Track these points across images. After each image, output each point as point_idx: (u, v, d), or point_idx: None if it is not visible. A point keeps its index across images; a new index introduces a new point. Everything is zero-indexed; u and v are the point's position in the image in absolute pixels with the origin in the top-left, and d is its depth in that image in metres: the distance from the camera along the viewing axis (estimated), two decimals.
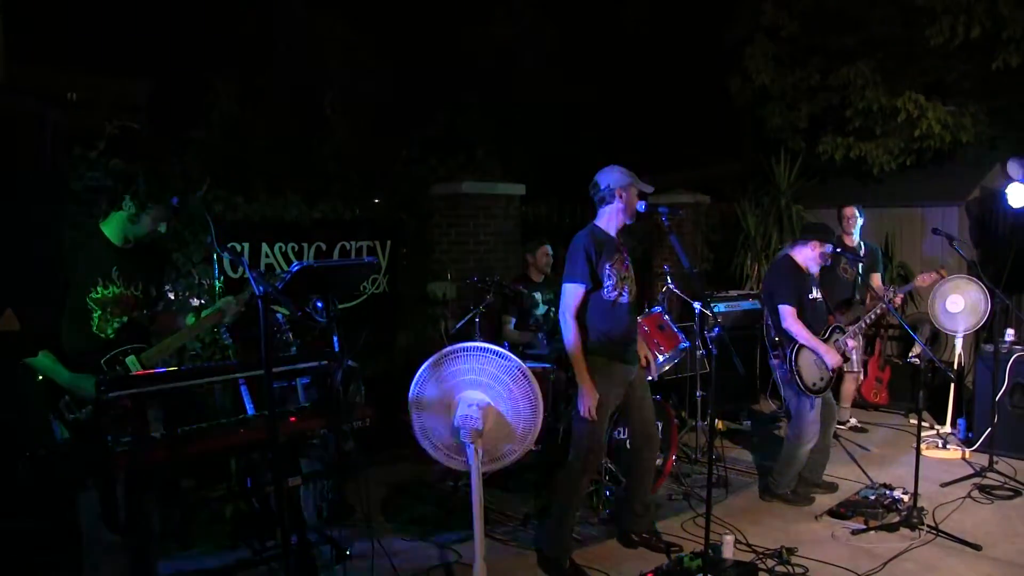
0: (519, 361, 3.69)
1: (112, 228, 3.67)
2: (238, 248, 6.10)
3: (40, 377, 3.43)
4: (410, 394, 3.75)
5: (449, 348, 3.71)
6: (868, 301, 6.59)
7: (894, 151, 9.00)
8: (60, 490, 3.44)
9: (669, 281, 6.38)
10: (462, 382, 3.71)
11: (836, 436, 6.51)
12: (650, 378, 5.00)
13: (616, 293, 4.39)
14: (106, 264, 3.63)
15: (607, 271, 4.35)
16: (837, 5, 9.63)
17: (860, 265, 6.58)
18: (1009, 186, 7.19)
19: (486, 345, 3.69)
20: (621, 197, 4.41)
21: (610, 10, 14.35)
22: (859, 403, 7.81)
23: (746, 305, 7.42)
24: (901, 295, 6.35)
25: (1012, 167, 7.18)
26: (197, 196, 4.60)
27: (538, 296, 6.23)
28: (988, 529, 5.03)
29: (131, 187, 3.58)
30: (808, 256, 5.45)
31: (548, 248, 6.37)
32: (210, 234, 3.29)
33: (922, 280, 6.41)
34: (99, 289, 3.60)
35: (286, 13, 12.19)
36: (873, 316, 5.86)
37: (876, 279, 6.86)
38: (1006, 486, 5.76)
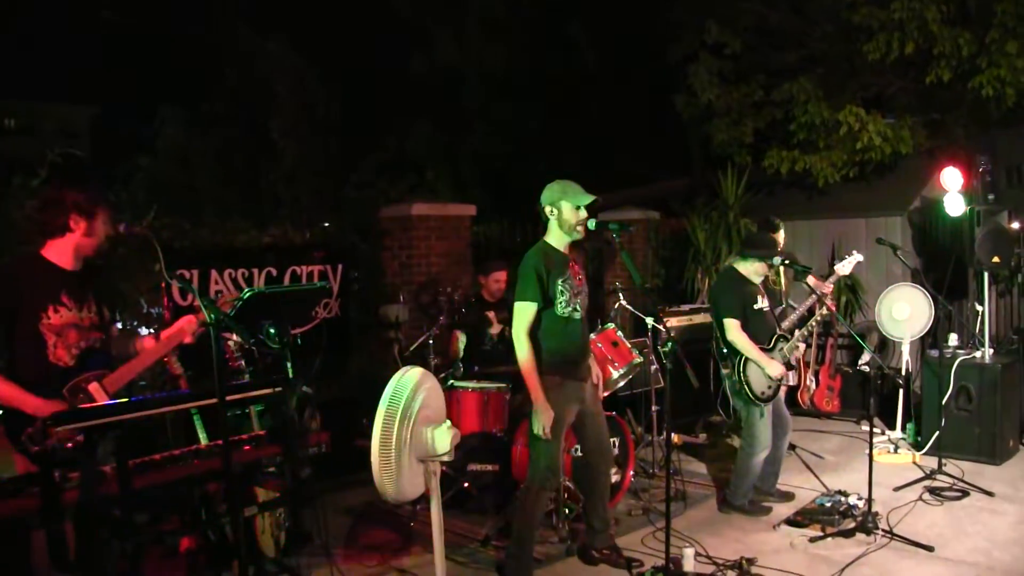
0: (416, 368, 3.62)
1: (58, 253, 3.60)
2: (187, 275, 6.02)
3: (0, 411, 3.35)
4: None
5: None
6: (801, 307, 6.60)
7: (837, 163, 9.18)
8: (13, 528, 3.34)
9: (621, 297, 6.42)
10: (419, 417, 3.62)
11: (792, 447, 6.59)
12: (607, 394, 5.02)
13: (570, 309, 4.41)
14: (54, 289, 3.57)
15: (559, 287, 4.37)
16: (778, 23, 9.85)
17: (784, 273, 6.60)
18: (946, 196, 7.38)
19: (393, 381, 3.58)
20: (552, 214, 4.43)
21: (556, 31, 14.50)
22: (812, 412, 7.93)
23: (697, 319, 7.49)
24: (830, 285, 6.35)
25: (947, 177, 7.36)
26: (144, 223, 4.55)
27: (492, 316, 6.23)
28: (939, 530, 5.14)
29: (72, 206, 3.54)
30: (752, 269, 5.54)
31: (503, 275, 6.32)
32: (158, 262, 3.24)
33: (841, 268, 6.43)
34: (49, 315, 3.53)
35: (233, 39, 12.11)
36: (808, 311, 5.91)
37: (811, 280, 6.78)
38: (955, 487, 5.89)
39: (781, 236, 6.66)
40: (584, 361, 4.56)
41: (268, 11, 12.01)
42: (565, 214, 4.40)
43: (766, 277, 6.46)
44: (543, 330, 4.39)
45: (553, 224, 4.46)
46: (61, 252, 3.62)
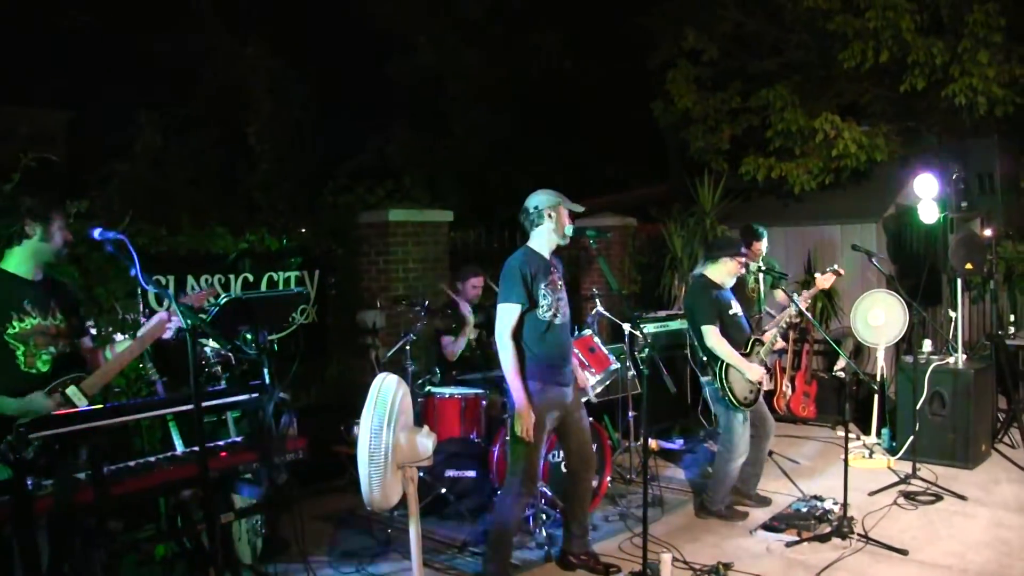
0: (391, 375, 3.61)
1: (17, 262, 3.59)
2: (163, 281, 5.98)
3: None
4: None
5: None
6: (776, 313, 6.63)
7: (813, 171, 9.26)
8: None
9: (598, 304, 6.43)
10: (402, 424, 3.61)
11: (769, 452, 6.62)
12: (585, 399, 5.02)
13: (552, 314, 4.42)
14: (15, 298, 3.55)
15: (542, 292, 4.39)
16: (755, 30, 9.93)
17: (764, 281, 6.66)
18: (920, 203, 7.46)
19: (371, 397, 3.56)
20: (551, 217, 4.47)
21: (534, 37, 14.53)
22: (788, 417, 7.98)
23: (674, 325, 7.53)
24: (807, 298, 6.37)
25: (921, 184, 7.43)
26: (120, 228, 4.51)
27: (470, 319, 6.22)
28: (914, 534, 5.20)
29: (25, 212, 3.53)
30: (723, 271, 5.56)
31: (479, 280, 6.31)
32: (134, 267, 3.22)
33: (821, 282, 6.46)
34: (15, 324, 3.50)
35: (210, 43, 12.05)
36: (788, 320, 5.93)
37: (780, 295, 6.86)
38: (928, 491, 5.96)
39: (764, 244, 6.69)
40: (566, 367, 4.57)
41: (247, 15, 11.97)
42: (562, 217, 4.47)
43: (746, 286, 6.51)
44: (525, 334, 4.40)
45: (544, 228, 4.49)
46: (21, 261, 3.62)
